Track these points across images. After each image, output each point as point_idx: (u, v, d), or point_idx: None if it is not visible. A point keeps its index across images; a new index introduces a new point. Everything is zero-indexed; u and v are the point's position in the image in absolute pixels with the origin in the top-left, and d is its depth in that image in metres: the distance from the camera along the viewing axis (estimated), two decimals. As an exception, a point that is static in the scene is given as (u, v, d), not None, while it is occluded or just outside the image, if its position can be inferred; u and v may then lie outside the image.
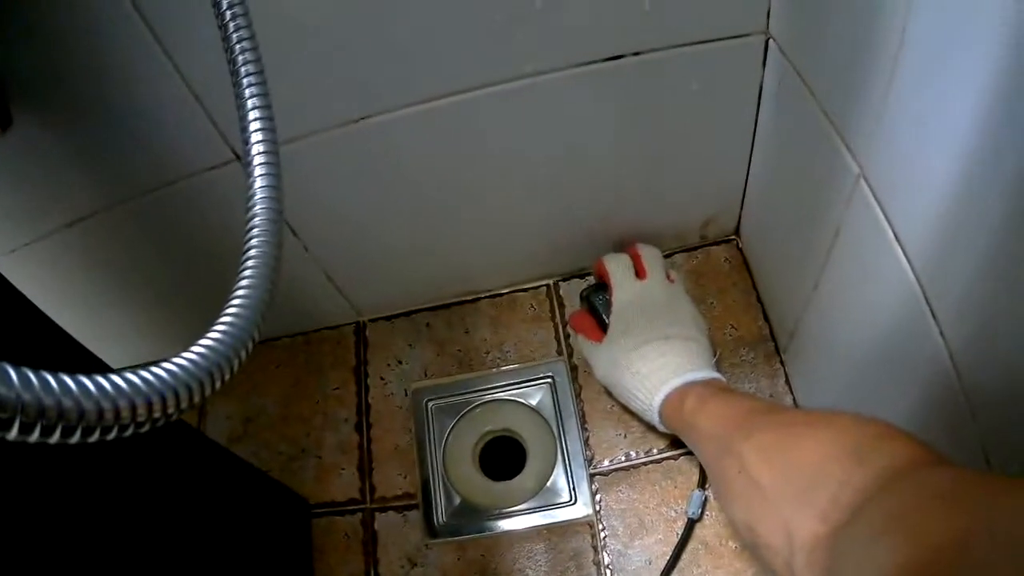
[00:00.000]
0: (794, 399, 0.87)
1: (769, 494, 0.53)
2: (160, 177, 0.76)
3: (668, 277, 0.88)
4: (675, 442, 0.87)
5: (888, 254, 0.54)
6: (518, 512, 0.87)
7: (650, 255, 0.89)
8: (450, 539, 0.88)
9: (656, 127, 0.78)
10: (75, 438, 0.25)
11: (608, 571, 0.83)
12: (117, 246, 0.85)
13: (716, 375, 0.77)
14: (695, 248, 0.99)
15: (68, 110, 0.68)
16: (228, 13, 0.44)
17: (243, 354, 0.32)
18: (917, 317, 0.52)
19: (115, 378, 0.26)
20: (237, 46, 0.44)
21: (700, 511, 0.82)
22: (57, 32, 0.60)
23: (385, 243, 0.90)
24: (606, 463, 0.88)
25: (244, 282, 0.37)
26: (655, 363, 0.78)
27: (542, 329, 0.98)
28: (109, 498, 0.57)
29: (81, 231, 0.80)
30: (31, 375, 0.24)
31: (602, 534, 0.84)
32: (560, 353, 0.96)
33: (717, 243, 0.99)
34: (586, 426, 0.90)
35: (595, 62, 0.69)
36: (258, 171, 0.42)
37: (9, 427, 0.23)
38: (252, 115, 0.43)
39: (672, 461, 0.86)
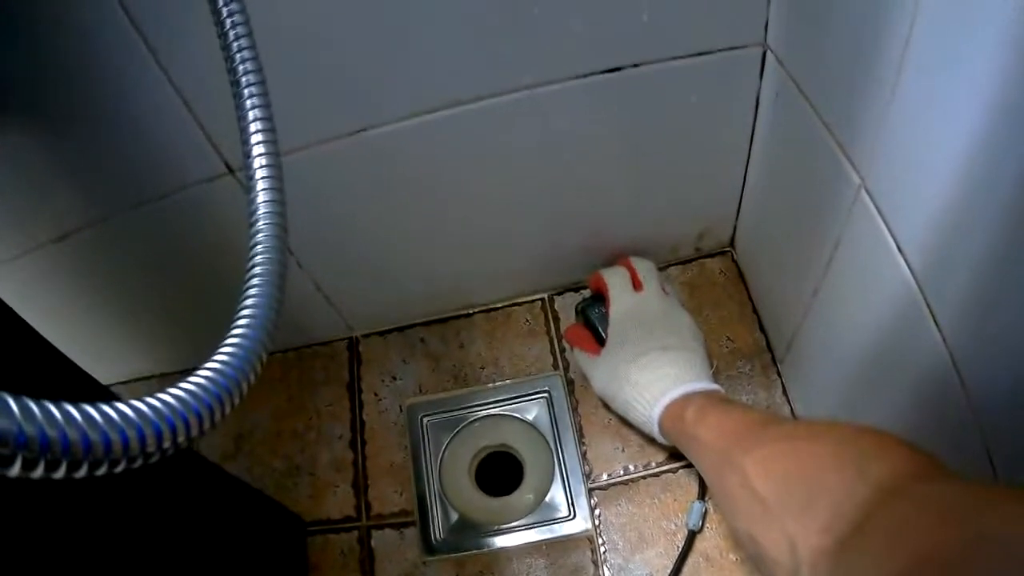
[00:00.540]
0: (792, 409, 0.87)
1: (772, 506, 0.53)
2: (151, 190, 0.75)
3: (663, 289, 0.87)
4: (674, 455, 0.86)
5: (890, 262, 0.54)
6: (516, 528, 0.87)
7: (645, 267, 0.88)
8: (448, 556, 0.87)
9: (652, 139, 0.78)
10: (81, 472, 0.24)
11: (609, 586, 0.82)
12: (107, 261, 0.84)
13: (715, 386, 0.77)
14: (690, 260, 0.99)
15: (56, 120, 0.67)
16: (228, 22, 0.43)
17: (252, 376, 0.32)
18: (919, 324, 0.52)
19: (122, 407, 0.25)
20: (238, 55, 0.44)
21: (701, 523, 0.82)
22: (46, 40, 0.60)
23: (378, 257, 0.90)
24: (604, 477, 0.87)
25: (250, 300, 0.36)
26: (654, 374, 0.78)
27: (537, 343, 0.97)
28: (101, 518, 0.55)
29: (70, 245, 0.79)
30: (33, 405, 0.23)
31: (602, 548, 0.84)
32: (556, 367, 0.95)
33: (712, 255, 0.99)
34: (584, 440, 0.90)
35: (593, 74, 0.68)
36: (261, 185, 0.41)
37: (11, 463, 0.21)
38: (254, 127, 0.43)
39: (671, 474, 0.86)
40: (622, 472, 0.87)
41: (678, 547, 0.81)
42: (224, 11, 0.43)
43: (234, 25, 0.44)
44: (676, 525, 0.83)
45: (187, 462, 0.72)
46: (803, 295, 0.75)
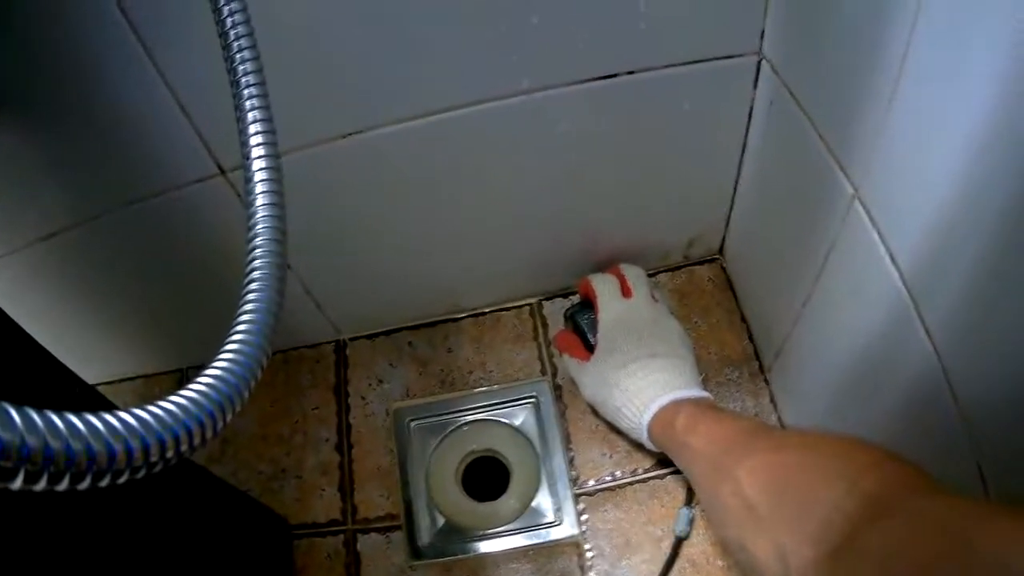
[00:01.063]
0: (779, 417, 0.87)
1: (763, 516, 0.53)
2: (141, 190, 0.74)
3: (652, 296, 0.88)
4: (661, 461, 0.86)
5: (882, 272, 0.54)
6: (503, 533, 0.86)
7: (634, 274, 0.89)
8: (434, 560, 0.87)
9: (644, 146, 0.78)
10: (84, 484, 0.23)
11: (595, 592, 0.82)
12: (95, 260, 0.84)
13: (704, 393, 0.77)
14: (679, 268, 0.99)
15: (46, 117, 0.66)
16: (229, 21, 0.43)
17: (254, 382, 0.31)
18: (910, 333, 0.52)
19: (125, 417, 0.25)
20: (238, 55, 0.43)
21: (688, 529, 0.82)
22: (40, 37, 0.59)
23: (368, 260, 0.89)
24: (591, 483, 0.87)
25: (249, 306, 0.36)
26: (643, 381, 0.78)
27: (525, 349, 0.97)
28: (86, 519, 0.55)
29: (58, 244, 0.79)
30: (36, 417, 0.22)
31: (589, 554, 0.84)
32: (544, 373, 0.95)
33: (701, 263, 0.99)
34: (571, 446, 0.90)
35: (589, 80, 0.69)
36: (260, 188, 0.41)
37: (14, 476, 0.21)
38: (253, 128, 0.42)
39: (658, 480, 0.86)
40: (609, 478, 0.87)
41: (665, 553, 0.82)
42: (225, 10, 0.43)
43: (235, 24, 0.43)
44: (663, 531, 0.83)
45: (173, 465, 0.71)
46: (793, 303, 0.75)
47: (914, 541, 0.40)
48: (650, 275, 0.97)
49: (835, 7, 0.54)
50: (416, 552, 0.87)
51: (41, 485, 0.22)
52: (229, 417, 0.29)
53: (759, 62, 0.69)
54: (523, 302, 1.00)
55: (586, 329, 0.87)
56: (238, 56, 0.43)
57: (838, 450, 0.53)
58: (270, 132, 0.43)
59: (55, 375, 0.55)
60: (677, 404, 0.75)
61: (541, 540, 0.85)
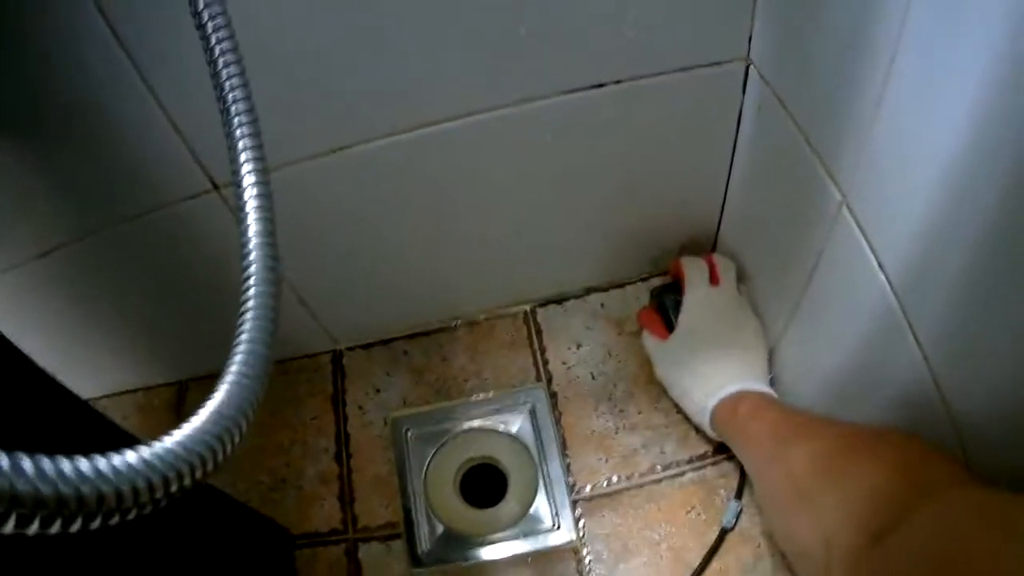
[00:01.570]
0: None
1: (814, 501, 0.56)
2: (135, 206, 0.75)
3: (739, 291, 0.89)
4: (656, 466, 0.87)
5: (870, 278, 0.55)
6: (502, 539, 0.87)
7: (726, 265, 0.90)
8: (435, 568, 0.87)
9: (635, 153, 0.79)
10: (95, 524, 0.24)
11: (594, 596, 0.83)
12: (90, 276, 0.84)
13: (770, 390, 0.79)
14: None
15: (39, 136, 0.67)
16: (214, 37, 0.43)
17: (256, 406, 0.32)
18: (899, 339, 0.53)
19: (129, 458, 0.26)
20: (224, 71, 0.43)
21: (734, 522, 0.83)
22: (29, 56, 0.60)
23: (362, 271, 0.90)
24: (588, 488, 0.88)
25: (244, 336, 0.37)
26: (714, 367, 0.81)
27: (520, 356, 0.98)
28: (84, 533, 0.55)
29: (53, 260, 0.79)
30: (46, 464, 0.23)
31: (587, 559, 0.84)
32: (539, 379, 0.96)
33: (692, 267, 1.00)
34: (567, 452, 0.91)
35: (577, 90, 0.69)
36: (251, 204, 0.41)
37: (29, 522, 0.22)
38: (242, 144, 0.43)
39: (654, 485, 0.87)
40: (606, 484, 0.88)
41: (662, 557, 0.82)
42: (210, 26, 0.43)
43: (219, 41, 0.43)
44: (660, 536, 0.84)
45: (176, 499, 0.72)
46: (784, 309, 0.76)
47: (955, 525, 0.42)
48: (643, 279, 0.99)
49: (823, 14, 0.55)
50: (416, 560, 0.88)
51: (55, 529, 0.23)
52: (229, 449, 0.30)
53: (747, 68, 0.70)
54: (517, 309, 1.01)
55: (670, 309, 0.88)
56: (224, 72, 0.43)
57: (892, 442, 0.55)
58: (258, 149, 0.43)
59: (47, 392, 0.55)
60: (742, 394, 0.77)
61: (540, 546, 0.86)
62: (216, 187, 0.73)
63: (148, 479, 0.26)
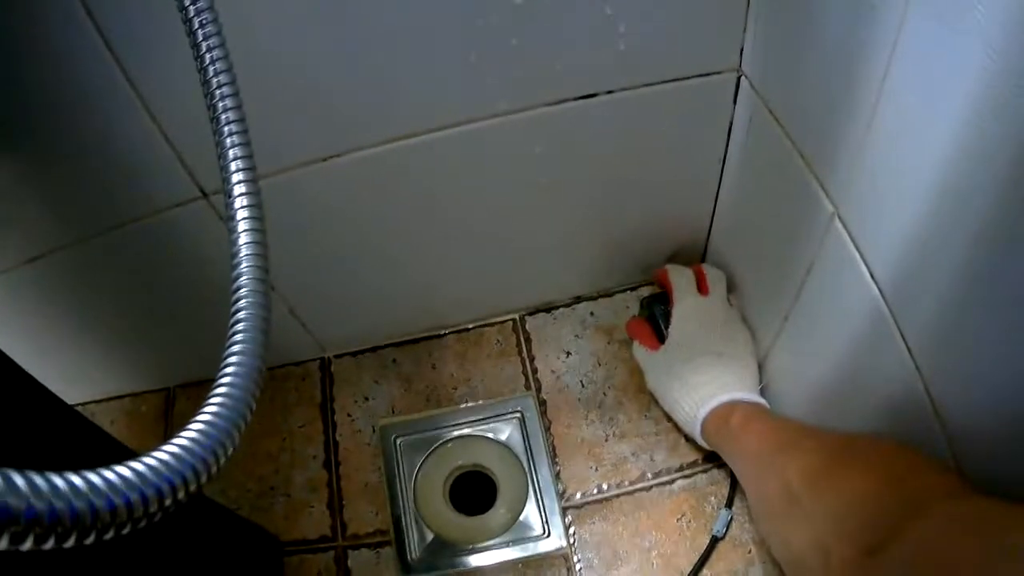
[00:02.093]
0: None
1: (809, 513, 0.56)
2: (124, 213, 0.75)
3: (728, 300, 0.89)
4: (646, 474, 0.87)
5: (862, 288, 0.55)
6: (492, 546, 0.87)
7: (715, 275, 0.90)
8: (424, 575, 0.87)
9: (626, 163, 0.79)
10: (89, 539, 0.24)
11: (584, 605, 0.83)
12: (80, 282, 0.84)
13: (762, 400, 0.79)
14: (660, 279, 1.00)
15: (28, 142, 0.66)
16: (204, 45, 0.43)
17: (249, 417, 0.32)
18: (890, 348, 0.53)
19: (122, 471, 0.26)
20: (214, 79, 0.43)
21: (724, 531, 0.83)
22: (19, 64, 0.59)
23: (351, 279, 0.90)
24: (578, 496, 0.88)
25: (235, 348, 0.37)
26: (705, 376, 0.81)
27: (509, 364, 0.98)
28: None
29: (42, 267, 0.79)
30: (40, 480, 0.23)
31: (577, 566, 0.85)
32: (528, 387, 0.96)
33: (681, 275, 1.00)
34: (557, 459, 0.91)
35: (568, 100, 0.69)
36: (240, 215, 0.41)
37: (24, 539, 0.22)
38: (232, 153, 0.42)
39: (644, 492, 0.87)
40: (595, 491, 0.88)
41: (652, 564, 0.83)
42: (200, 34, 0.43)
43: (210, 49, 0.43)
44: (649, 543, 0.84)
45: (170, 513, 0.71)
46: (774, 319, 0.76)
47: (949, 537, 0.42)
48: (632, 288, 0.99)
49: (816, 25, 0.55)
50: (406, 567, 0.88)
51: (49, 545, 0.23)
52: (223, 461, 0.30)
53: (738, 79, 0.70)
54: (506, 317, 1.01)
55: (659, 319, 0.89)
56: (214, 80, 0.43)
57: (886, 453, 0.55)
58: (248, 158, 0.43)
59: (35, 397, 0.55)
60: (733, 404, 0.77)
61: (530, 553, 0.86)
62: (205, 195, 0.72)
63: (143, 493, 0.26)
